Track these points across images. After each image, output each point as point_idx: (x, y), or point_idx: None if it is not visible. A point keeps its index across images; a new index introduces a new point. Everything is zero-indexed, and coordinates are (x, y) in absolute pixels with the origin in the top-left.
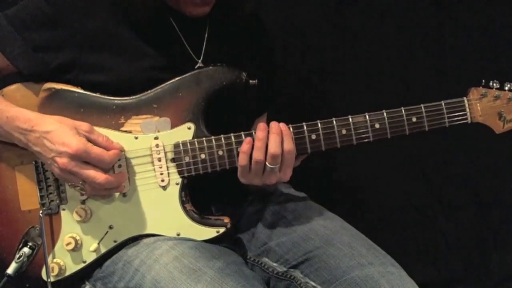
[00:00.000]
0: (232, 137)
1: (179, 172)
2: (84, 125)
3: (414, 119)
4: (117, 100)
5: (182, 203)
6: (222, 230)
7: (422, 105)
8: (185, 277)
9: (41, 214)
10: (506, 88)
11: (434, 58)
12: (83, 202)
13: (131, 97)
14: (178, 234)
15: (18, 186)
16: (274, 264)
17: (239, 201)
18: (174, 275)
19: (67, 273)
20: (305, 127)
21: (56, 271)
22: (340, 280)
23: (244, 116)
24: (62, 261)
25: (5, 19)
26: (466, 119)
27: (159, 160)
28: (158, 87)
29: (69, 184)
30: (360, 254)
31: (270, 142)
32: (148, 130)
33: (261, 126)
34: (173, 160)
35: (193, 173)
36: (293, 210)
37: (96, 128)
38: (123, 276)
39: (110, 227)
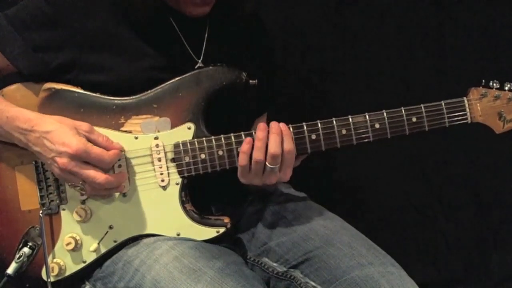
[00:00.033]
0: (232, 137)
1: (179, 172)
2: (84, 125)
3: (414, 119)
4: (117, 100)
5: (182, 203)
6: (222, 230)
7: (422, 105)
8: (185, 277)
9: (41, 214)
10: (506, 88)
11: (434, 58)
12: (83, 202)
13: (131, 97)
14: (178, 234)
15: (18, 186)
16: (274, 264)
17: (239, 201)
18: (174, 275)
19: (67, 273)
20: (305, 127)
21: (56, 271)
22: (340, 280)
23: (244, 116)
24: (62, 261)
25: (5, 19)
26: (466, 119)
27: (159, 160)
28: (158, 87)
29: (69, 184)
30: (360, 254)
31: (270, 142)
32: (148, 130)
33: (261, 126)
34: (173, 160)
35: (193, 173)
36: (293, 210)
37: (96, 128)
38: (123, 276)
39: (110, 227)
